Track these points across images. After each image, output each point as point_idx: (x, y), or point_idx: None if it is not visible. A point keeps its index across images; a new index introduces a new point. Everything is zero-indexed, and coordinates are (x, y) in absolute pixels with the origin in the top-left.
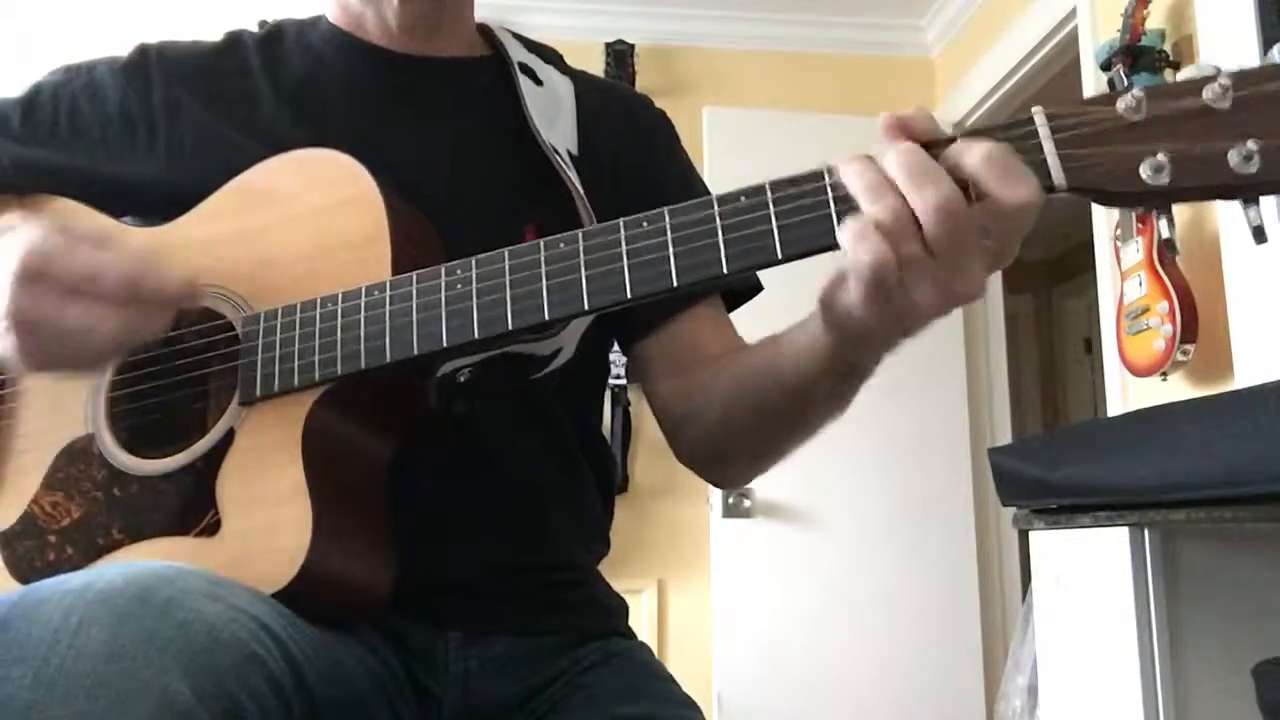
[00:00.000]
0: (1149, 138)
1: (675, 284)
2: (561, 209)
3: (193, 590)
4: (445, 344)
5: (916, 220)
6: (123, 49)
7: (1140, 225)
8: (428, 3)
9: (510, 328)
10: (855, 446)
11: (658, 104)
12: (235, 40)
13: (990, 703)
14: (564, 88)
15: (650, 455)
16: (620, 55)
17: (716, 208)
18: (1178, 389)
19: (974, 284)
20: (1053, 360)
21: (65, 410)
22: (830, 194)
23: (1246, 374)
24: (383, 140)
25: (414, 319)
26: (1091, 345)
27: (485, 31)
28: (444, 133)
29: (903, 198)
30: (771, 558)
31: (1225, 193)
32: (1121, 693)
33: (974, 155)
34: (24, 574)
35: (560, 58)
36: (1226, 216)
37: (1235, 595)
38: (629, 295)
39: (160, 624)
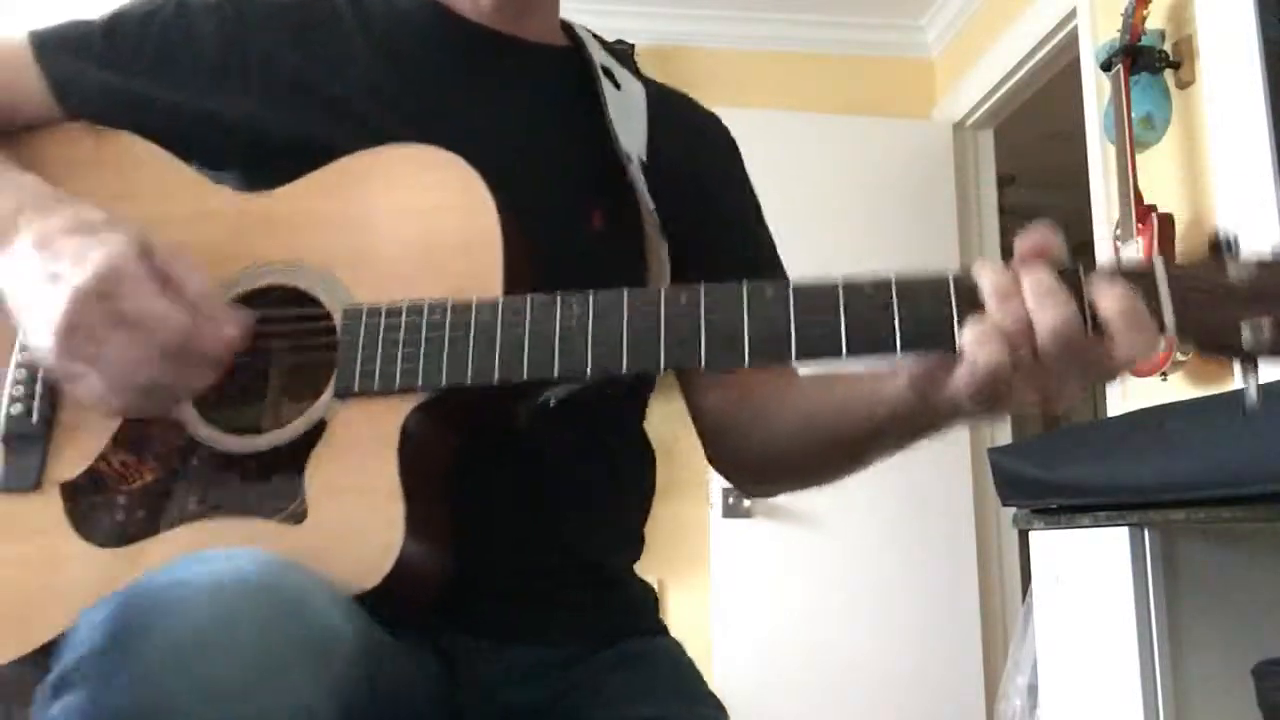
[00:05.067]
0: (1254, 304)
1: (793, 358)
2: (626, 205)
3: (311, 589)
4: (557, 375)
5: (1034, 333)
6: None
7: (1140, 225)
8: None
9: (624, 371)
10: None
11: None
12: None
13: (990, 703)
14: (639, 94)
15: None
16: (620, 55)
17: (841, 292)
18: (1178, 389)
19: (1072, 397)
20: None
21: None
22: (954, 299)
23: None
24: (466, 108)
25: (525, 344)
26: None
27: (566, 27)
28: (523, 113)
29: (1026, 308)
30: (771, 558)
31: None
32: (1121, 693)
33: (1111, 299)
34: (87, 529)
35: (634, 61)
36: (1226, 217)
37: (1235, 595)
38: (746, 362)
39: (297, 626)
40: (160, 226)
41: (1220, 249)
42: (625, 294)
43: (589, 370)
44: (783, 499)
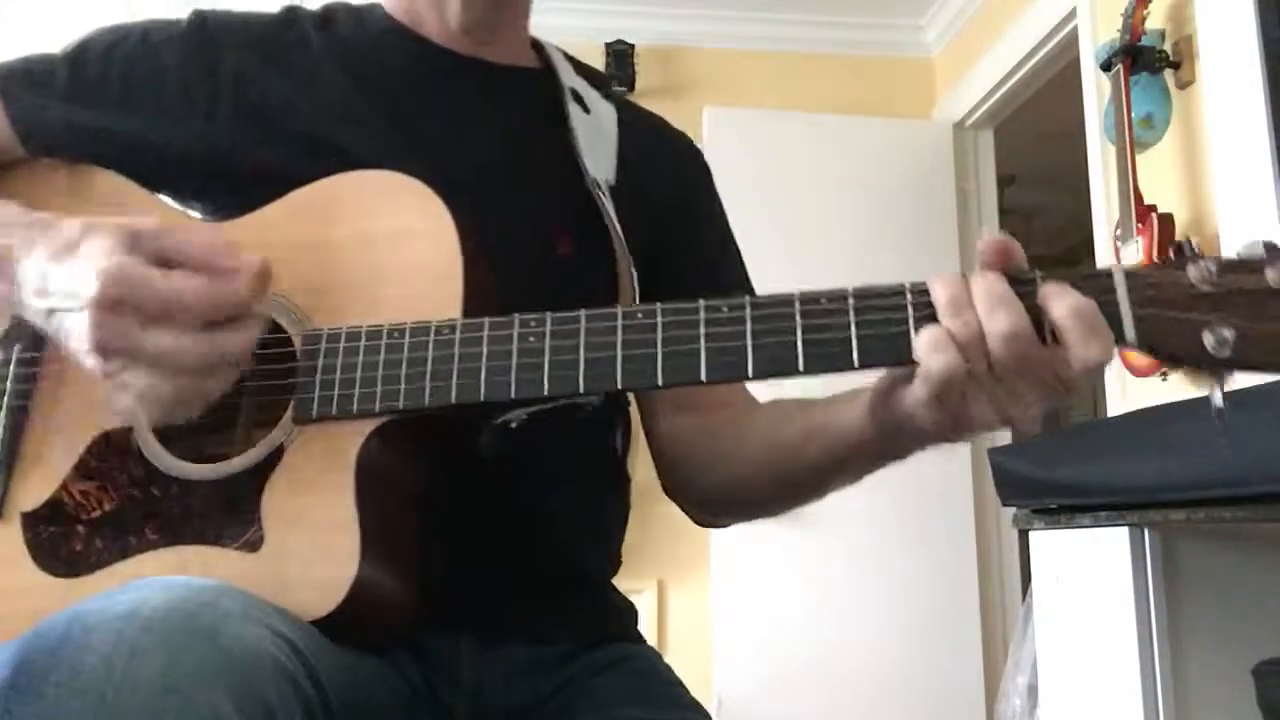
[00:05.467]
0: (1215, 309)
1: (751, 375)
2: (594, 229)
3: (233, 613)
4: (514, 396)
5: (986, 341)
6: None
7: (1140, 225)
8: (489, 7)
9: (581, 390)
10: None
11: (657, 104)
12: (292, 15)
13: (990, 703)
14: (608, 117)
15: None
16: (620, 55)
17: (798, 305)
18: (1178, 389)
19: (1029, 413)
20: None
21: (104, 397)
22: (911, 311)
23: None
24: (435, 130)
25: (483, 365)
26: None
27: (537, 46)
28: (492, 135)
29: (978, 317)
30: (771, 558)
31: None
32: (1121, 693)
33: (1064, 305)
34: (45, 560)
35: (606, 82)
36: (1226, 216)
37: (1235, 595)
38: (703, 379)
39: (208, 651)
40: None
41: (1181, 251)
42: (583, 315)
43: (546, 391)
44: None
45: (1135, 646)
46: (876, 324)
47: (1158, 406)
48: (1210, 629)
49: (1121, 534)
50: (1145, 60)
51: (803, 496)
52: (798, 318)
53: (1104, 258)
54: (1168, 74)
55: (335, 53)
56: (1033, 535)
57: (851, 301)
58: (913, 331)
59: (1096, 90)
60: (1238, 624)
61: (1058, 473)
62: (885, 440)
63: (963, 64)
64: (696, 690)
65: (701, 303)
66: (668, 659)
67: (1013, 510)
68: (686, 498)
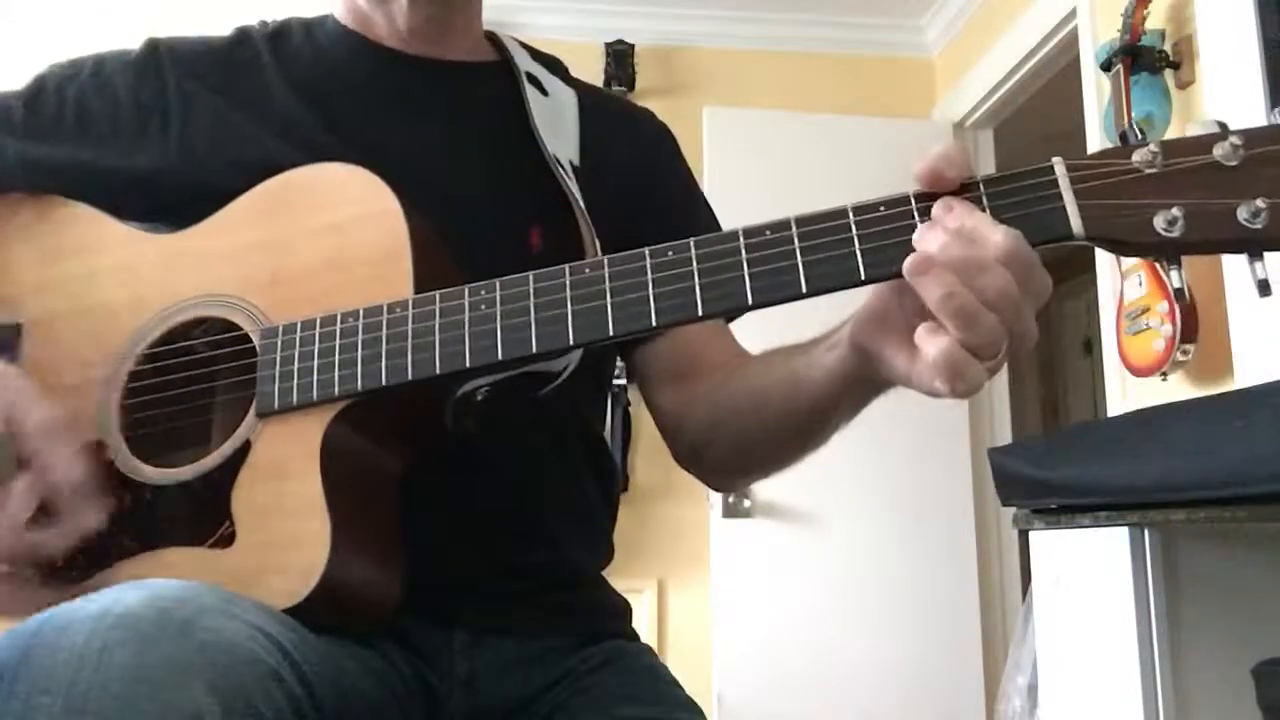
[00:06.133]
0: (1163, 191)
1: (700, 314)
2: (564, 216)
3: (209, 609)
4: (469, 364)
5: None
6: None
7: None
8: (436, 6)
9: (534, 351)
10: (855, 446)
11: (657, 104)
12: (244, 35)
13: (990, 703)
14: (568, 98)
15: (650, 455)
16: (620, 55)
17: (742, 240)
18: (1178, 389)
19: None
20: (1053, 360)
21: (74, 414)
22: (854, 231)
23: (1246, 374)
24: (391, 138)
25: (436, 338)
26: (1091, 345)
27: (493, 39)
28: (450, 134)
29: (995, 318)
30: (771, 558)
31: (1234, 247)
32: (1121, 693)
33: (951, 221)
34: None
35: (565, 69)
36: None
37: (1235, 595)
38: (654, 324)
39: (182, 645)
40: (92, 278)
41: (1126, 138)
42: (531, 276)
43: (500, 355)
44: (783, 498)
45: (1135, 646)
46: (822, 248)
47: (1158, 406)
48: (1210, 629)
49: (1121, 534)
50: (1145, 60)
51: (803, 444)
52: (743, 252)
53: (1104, 258)
54: (1168, 74)
55: (287, 71)
56: (1033, 535)
57: (795, 230)
58: (859, 251)
59: (1096, 90)
60: (1238, 624)
61: (1058, 473)
62: (869, 383)
63: (963, 64)
64: (696, 690)
65: (646, 249)
66: (668, 659)
67: (1013, 510)
68: (697, 467)
